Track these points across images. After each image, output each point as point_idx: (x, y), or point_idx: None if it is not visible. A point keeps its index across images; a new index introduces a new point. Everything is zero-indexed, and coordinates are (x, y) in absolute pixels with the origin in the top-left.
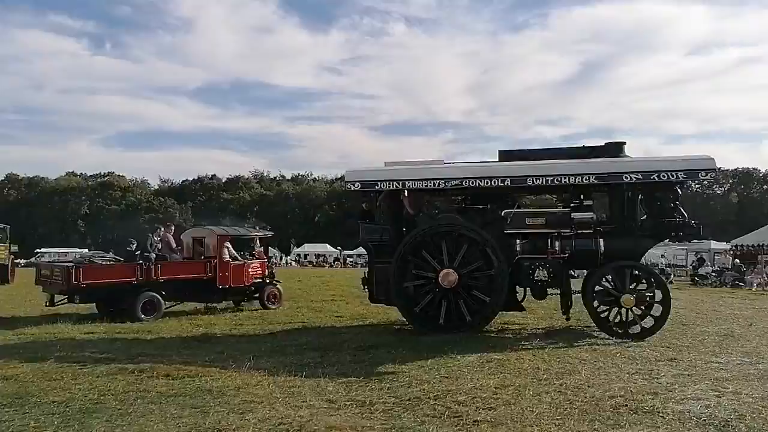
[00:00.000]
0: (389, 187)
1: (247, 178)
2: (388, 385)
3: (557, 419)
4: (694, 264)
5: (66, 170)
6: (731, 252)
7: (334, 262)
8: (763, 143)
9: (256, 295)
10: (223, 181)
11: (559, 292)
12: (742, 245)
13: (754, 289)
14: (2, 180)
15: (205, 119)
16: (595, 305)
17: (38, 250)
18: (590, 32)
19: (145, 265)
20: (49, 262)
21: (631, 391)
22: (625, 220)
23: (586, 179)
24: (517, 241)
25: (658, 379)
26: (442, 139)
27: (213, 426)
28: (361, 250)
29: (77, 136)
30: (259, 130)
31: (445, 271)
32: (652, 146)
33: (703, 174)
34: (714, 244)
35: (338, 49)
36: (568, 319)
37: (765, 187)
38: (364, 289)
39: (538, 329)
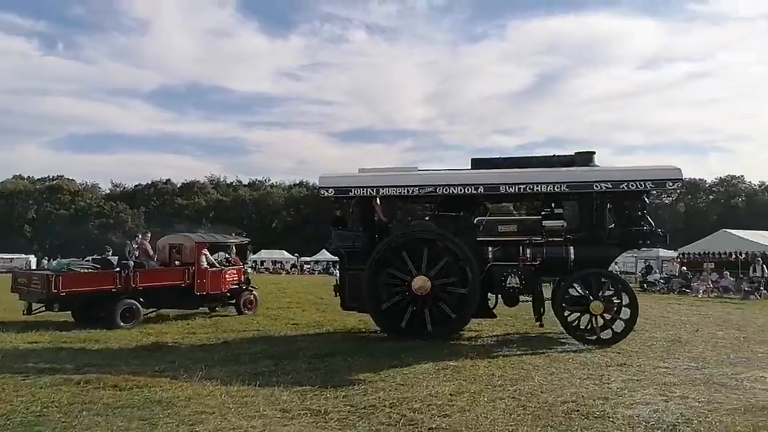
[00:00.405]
0: (363, 193)
1: (203, 184)
2: (344, 394)
3: (511, 425)
4: (643, 271)
5: (13, 173)
6: (678, 260)
7: (291, 268)
8: (709, 155)
9: (232, 301)
10: (178, 186)
11: (530, 299)
12: (688, 253)
13: (700, 296)
14: None
15: (159, 123)
16: (564, 312)
17: None
18: (546, 44)
19: (124, 273)
20: (25, 270)
21: (582, 396)
22: (594, 228)
23: (557, 188)
24: (489, 248)
25: (608, 384)
26: (401, 147)
27: None
28: (319, 256)
29: (26, 139)
30: (215, 135)
31: (418, 277)
32: (604, 157)
33: (671, 184)
34: (662, 252)
35: (298, 55)
36: (541, 325)
37: (711, 197)
38: (336, 295)
39: (494, 336)
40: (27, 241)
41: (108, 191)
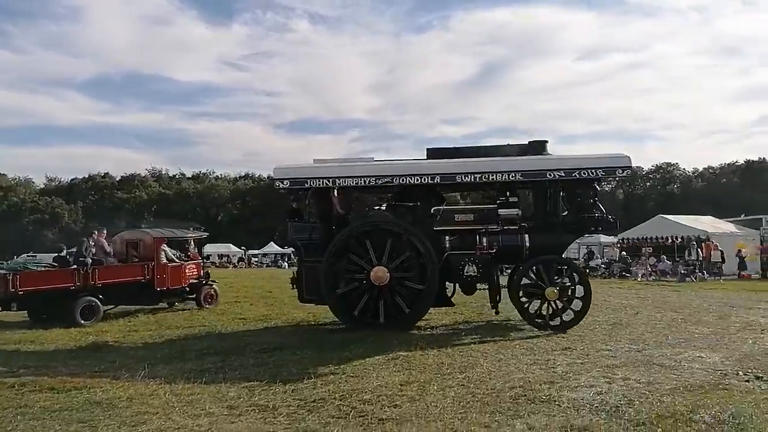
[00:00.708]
0: (319, 184)
1: (144, 177)
2: (293, 388)
3: (460, 412)
4: (585, 257)
5: None
6: (618, 245)
7: (238, 262)
8: (645, 143)
9: (192, 295)
10: (117, 179)
11: (487, 286)
12: (627, 238)
13: (639, 280)
14: None
15: (96, 114)
16: (521, 298)
17: None
18: (489, 35)
19: (82, 270)
20: None
21: (529, 381)
22: (548, 216)
23: (512, 176)
24: (447, 237)
25: (554, 368)
26: (349, 137)
27: None
28: (267, 249)
29: None
30: (156, 126)
31: (378, 267)
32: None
33: (620, 171)
34: (603, 238)
35: (240, 44)
36: (497, 312)
37: (648, 184)
38: (293, 288)
39: (444, 325)
40: None
41: (43, 186)
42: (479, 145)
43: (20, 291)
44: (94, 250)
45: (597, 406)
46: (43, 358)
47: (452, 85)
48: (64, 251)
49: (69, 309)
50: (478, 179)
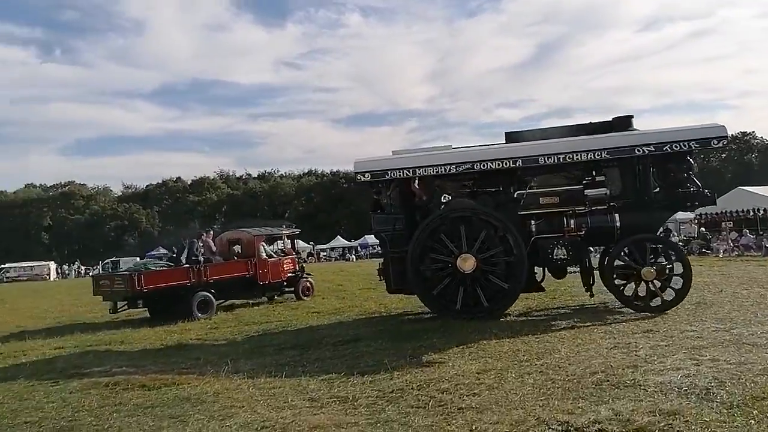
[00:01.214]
0: (400, 175)
1: (213, 179)
2: (370, 379)
3: (541, 399)
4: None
5: (24, 182)
6: (696, 221)
7: (308, 257)
8: (717, 113)
9: (290, 289)
10: (189, 183)
11: (578, 269)
12: (706, 213)
13: (720, 256)
14: None
15: (164, 121)
16: (614, 280)
17: (2, 266)
18: (542, 14)
19: (196, 268)
20: (106, 273)
21: (611, 365)
22: (639, 194)
23: (598, 155)
24: (533, 221)
25: (636, 351)
26: (406, 128)
27: None
28: (334, 243)
29: (34, 147)
30: (221, 130)
31: (462, 255)
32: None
33: (716, 142)
34: (680, 215)
35: (295, 44)
36: (591, 295)
37: (723, 155)
38: (380, 279)
39: (515, 311)
40: (45, 248)
41: (120, 193)
42: (563, 125)
43: (144, 289)
44: (203, 250)
45: (686, 390)
46: (133, 358)
47: (507, 68)
48: (176, 252)
49: (187, 304)
50: (562, 160)
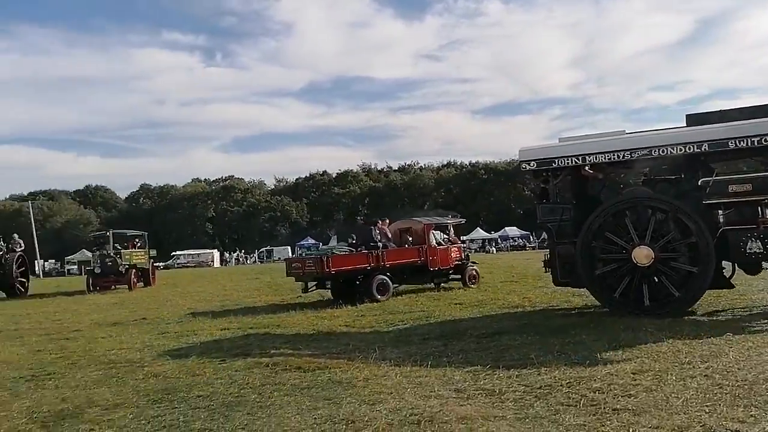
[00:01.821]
0: (568, 163)
1: (356, 172)
2: (516, 373)
3: (707, 405)
4: None
5: (191, 177)
6: None
7: None
8: None
9: (457, 276)
10: (334, 176)
11: None
12: None
13: None
14: (137, 190)
15: (312, 118)
16: None
17: (174, 253)
18: None
19: (375, 253)
20: (297, 257)
21: None
22: None
23: None
24: (720, 211)
25: None
26: (549, 116)
27: (346, 417)
28: (473, 235)
29: (198, 145)
30: (363, 124)
31: (641, 247)
32: None
33: None
34: None
35: (434, 36)
36: None
37: None
38: (546, 271)
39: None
40: (209, 238)
41: (273, 186)
42: (752, 105)
43: (333, 270)
44: (379, 236)
45: None
46: (289, 341)
47: (661, 48)
48: (354, 240)
49: (367, 286)
50: (757, 143)
